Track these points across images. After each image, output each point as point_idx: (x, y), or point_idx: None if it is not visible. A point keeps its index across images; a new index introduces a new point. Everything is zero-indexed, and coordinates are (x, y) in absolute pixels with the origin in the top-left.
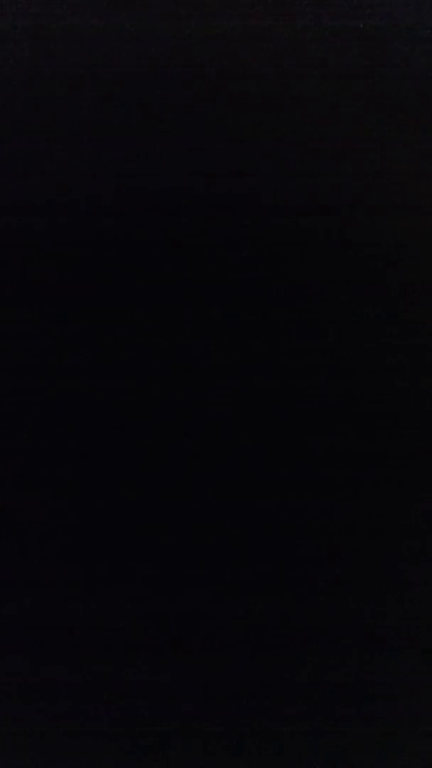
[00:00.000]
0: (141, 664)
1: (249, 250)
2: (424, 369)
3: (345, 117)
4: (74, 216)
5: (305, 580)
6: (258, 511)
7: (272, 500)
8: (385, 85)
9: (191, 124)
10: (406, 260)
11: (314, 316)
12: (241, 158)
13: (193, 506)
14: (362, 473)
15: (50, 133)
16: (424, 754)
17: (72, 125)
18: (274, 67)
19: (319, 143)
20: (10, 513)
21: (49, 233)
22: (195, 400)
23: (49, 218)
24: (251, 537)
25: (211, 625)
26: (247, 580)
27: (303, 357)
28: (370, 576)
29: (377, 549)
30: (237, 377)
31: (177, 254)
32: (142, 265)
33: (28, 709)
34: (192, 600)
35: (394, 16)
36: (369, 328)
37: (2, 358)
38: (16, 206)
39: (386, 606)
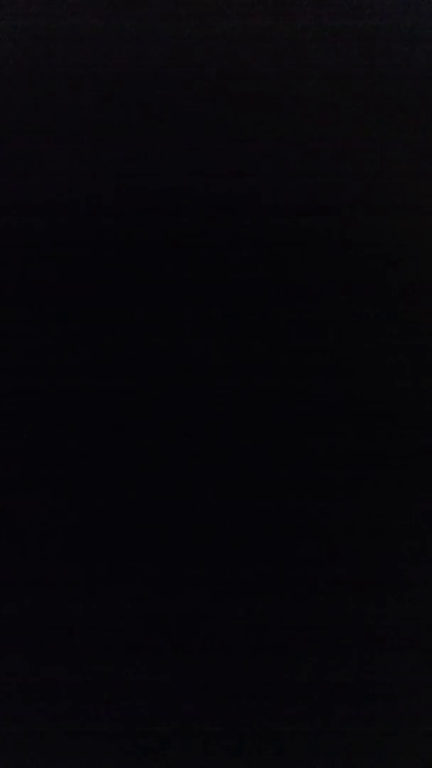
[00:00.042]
0: (141, 664)
1: (249, 250)
2: (424, 369)
3: (345, 117)
4: (74, 216)
5: (305, 580)
6: (258, 511)
7: (272, 500)
8: (385, 85)
9: (191, 124)
10: (406, 260)
11: (314, 316)
12: (241, 158)
13: (193, 506)
14: (362, 473)
15: (50, 133)
16: (424, 754)
17: (72, 125)
18: (274, 67)
19: (319, 143)
20: (10, 513)
21: (49, 233)
22: (195, 400)
23: (49, 218)
24: (251, 537)
25: (211, 625)
26: (247, 580)
27: (303, 357)
28: (370, 576)
29: (377, 549)
30: (237, 377)
31: (177, 254)
32: (142, 265)
33: (28, 709)
34: (192, 600)
35: (394, 16)
36: (369, 328)
37: (2, 358)
38: (16, 206)
39: (386, 606)
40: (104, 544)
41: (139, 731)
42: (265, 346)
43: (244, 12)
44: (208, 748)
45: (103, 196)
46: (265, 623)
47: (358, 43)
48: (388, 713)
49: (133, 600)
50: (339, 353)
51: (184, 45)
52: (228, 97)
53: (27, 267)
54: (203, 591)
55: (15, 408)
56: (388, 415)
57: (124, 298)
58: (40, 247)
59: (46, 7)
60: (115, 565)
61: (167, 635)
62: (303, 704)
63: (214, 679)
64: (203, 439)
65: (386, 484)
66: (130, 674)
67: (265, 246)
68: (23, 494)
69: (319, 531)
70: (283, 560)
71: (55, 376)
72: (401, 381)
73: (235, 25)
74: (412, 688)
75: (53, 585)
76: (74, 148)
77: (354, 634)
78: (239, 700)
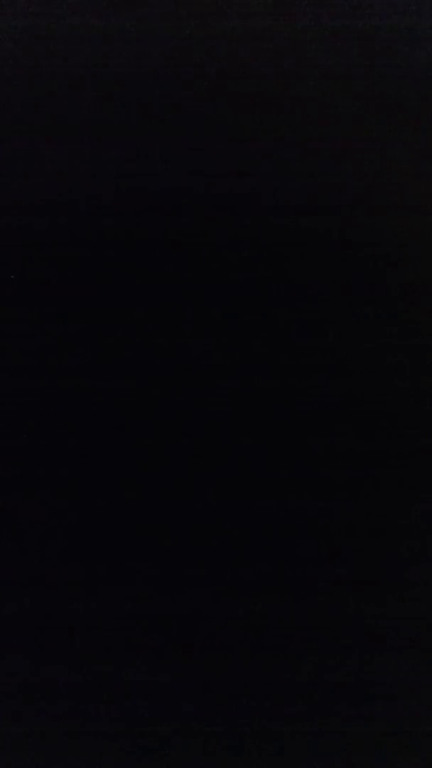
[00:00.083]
0: (141, 664)
1: (249, 250)
2: (424, 369)
3: (345, 117)
4: (74, 216)
5: (305, 580)
6: (258, 511)
7: (272, 500)
8: (385, 85)
9: (191, 124)
10: (406, 260)
11: (314, 316)
12: (241, 158)
13: (193, 506)
14: (362, 473)
15: (50, 133)
16: (424, 754)
17: (72, 125)
18: (274, 67)
19: (319, 143)
20: (10, 513)
21: (49, 233)
22: (195, 400)
23: (49, 218)
24: (251, 537)
25: (211, 625)
26: (247, 580)
27: (303, 357)
28: (370, 576)
29: (377, 549)
30: (237, 377)
31: (177, 254)
32: (142, 265)
33: (28, 709)
34: (192, 600)
35: (394, 16)
36: (369, 328)
37: (2, 358)
38: (16, 206)
39: (386, 606)
40: (104, 544)
41: (139, 731)
42: (265, 346)
43: (244, 12)
44: (208, 748)
45: (103, 196)
46: (265, 623)
47: (358, 43)
48: (388, 713)
49: (133, 600)
50: (339, 353)
51: (184, 45)
52: (228, 97)
53: (27, 267)
54: (203, 591)
55: (15, 408)
56: (388, 415)
57: (124, 298)
58: (40, 247)
59: (46, 7)
60: (115, 565)
61: (167, 635)
62: (303, 704)
63: (214, 679)
64: (203, 439)
65: (386, 484)
66: (130, 674)
67: (265, 246)
68: (23, 494)
69: (319, 531)
70: (283, 560)
71: (55, 376)
72: (401, 381)
73: (235, 25)
74: (412, 688)
75: (53, 585)
76: (74, 148)
77: (354, 634)
78: (239, 700)
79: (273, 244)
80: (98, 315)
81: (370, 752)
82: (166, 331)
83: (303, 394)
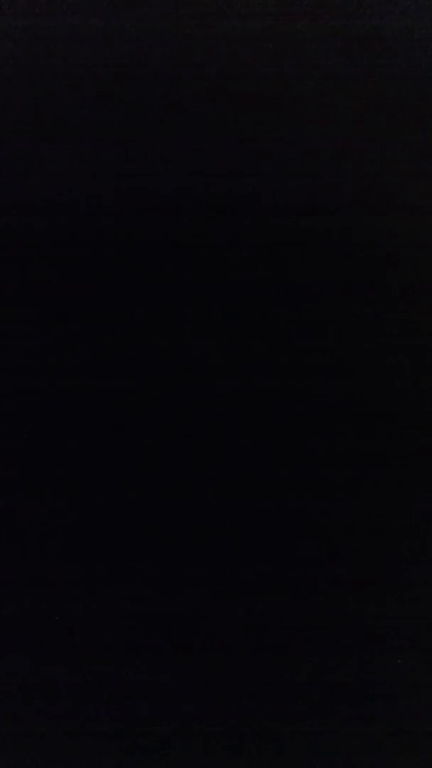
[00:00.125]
0: (141, 664)
1: (249, 250)
2: (424, 369)
3: (345, 117)
4: (74, 216)
5: (305, 580)
6: (258, 511)
7: (272, 500)
8: (385, 85)
9: (191, 124)
10: (406, 260)
11: (314, 316)
12: (241, 158)
13: (193, 506)
14: (362, 473)
15: (50, 133)
16: (424, 754)
17: (72, 125)
18: (274, 67)
19: (319, 143)
20: (10, 513)
21: (49, 233)
22: (195, 400)
23: (49, 218)
24: (251, 537)
25: (211, 625)
26: (247, 580)
27: (303, 357)
28: (370, 576)
29: (377, 549)
30: (237, 377)
31: (177, 254)
32: (142, 265)
33: (28, 709)
34: (192, 600)
35: (394, 16)
36: (369, 328)
37: (2, 358)
38: (16, 206)
39: (386, 606)
40: (104, 544)
41: (139, 731)
42: (265, 346)
43: (244, 12)
44: (208, 748)
45: (103, 196)
46: (265, 623)
47: (358, 43)
48: (388, 713)
49: (133, 600)
50: (339, 353)
51: (184, 45)
52: (228, 97)
53: (27, 267)
54: (203, 591)
55: (15, 408)
56: (388, 415)
57: (124, 298)
58: (40, 247)
59: (46, 7)
60: (115, 565)
61: (167, 635)
62: (303, 704)
63: (214, 679)
64: (203, 439)
65: (386, 484)
66: (130, 674)
67: (265, 246)
68: (23, 494)
69: (319, 531)
70: (283, 560)
71: (55, 376)
72: (401, 381)
73: (235, 25)
74: (412, 688)
75: (53, 585)
76: (74, 148)
77: (354, 634)
78: (239, 700)
79: (273, 244)
80: (98, 315)
81: (370, 752)
82: (166, 331)
83: (303, 394)
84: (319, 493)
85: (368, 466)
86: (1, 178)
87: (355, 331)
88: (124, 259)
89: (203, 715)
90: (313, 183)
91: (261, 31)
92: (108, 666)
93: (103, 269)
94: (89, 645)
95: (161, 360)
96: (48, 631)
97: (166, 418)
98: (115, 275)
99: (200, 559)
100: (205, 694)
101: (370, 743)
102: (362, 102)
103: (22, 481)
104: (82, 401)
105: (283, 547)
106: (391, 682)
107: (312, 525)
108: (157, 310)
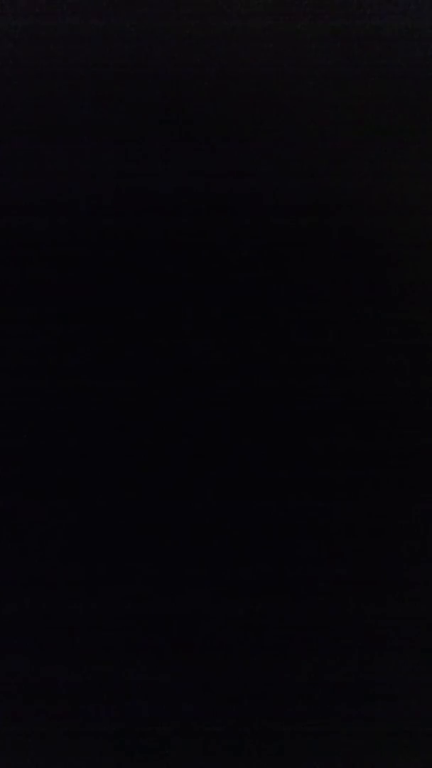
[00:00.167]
0: (141, 664)
1: (249, 250)
2: (424, 369)
3: (345, 117)
4: (74, 216)
5: (305, 580)
6: (258, 511)
7: (272, 500)
8: (385, 85)
9: (191, 124)
10: (406, 260)
11: (314, 316)
12: (241, 158)
13: (193, 506)
14: (362, 473)
15: (50, 133)
16: (424, 754)
17: (72, 125)
18: (274, 67)
19: (319, 143)
20: (10, 513)
21: (49, 233)
22: (195, 400)
23: (49, 218)
24: (251, 537)
25: (211, 625)
26: (247, 580)
27: (303, 357)
28: (370, 576)
29: (377, 549)
30: (237, 377)
31: (177, 254)
32: (142, 265)
33: (28, 709)
34: (192, 600)
35: (394, 16)
36: (369, 328)
37: (2, 358)
38: (16, 206)
39: (386, 606)
40: (104, 544)
41: (139, 731)
42: (265, 346)
43: (244, 12)
44: (208, 748)
45: (103, 196)
46: (265, 623)
47: (358, 43)
48: (388, 713)
49: (133, 600)
50: (339, 353)
51: (184, 45)
52: (228, 97)
53: (27, 267)
54: (203, 591)
55: (15, 408)
56: (388, 415)
57: (124, 298)
58: (40, 247)
59: (46, 7)
60: (115, 565)
61: (167, 635)
62: (303, 704)
63: (214, 679)
64: (203, 439)
65: (386, 484)
66: (130, 674)
67: (265, 246)
68: (23, 494)
69: (319, 531)
70: (283, 560)
71: (55, 376)
72: (401, 381)
73: (235, 25)
74: (412, 688)
75: (53, 585)
76: (74, 148)
77: (354, 634)
78: (239, 700)
79: (273, 244)
80: (98, 315)
81: (370, 752)
82: (166, 331)
83: (303, 394)
84: (319, 493)
85: (368, 466)
86: (1, 178)
87: (355, 331)
88: (124, 259)
89: (203, 715)
90: (313, 183)
91: (261, 31)
92: (108, 666)
93: (103, 269)
94: (89, 645)
95: (161, 360)
96: (48, 631)
97: (166, 418)
98: (115, 275)
99: (200, 559)
100: (205, 694)
101: (370, 743)
102: (362, 102)
103: (22, 481)
104: (82, 401)
105: (283, 547)
106: (391, 682)
107: (312, 525)
108: (157, 310)
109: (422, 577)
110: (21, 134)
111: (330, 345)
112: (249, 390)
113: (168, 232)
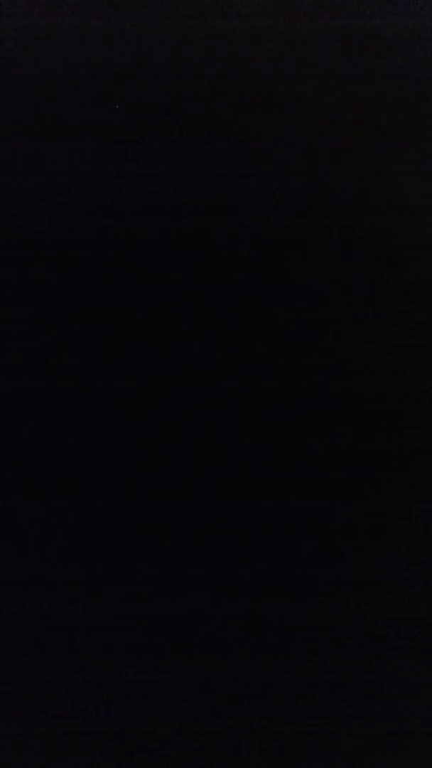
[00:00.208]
0: (141, 664)
1: (249, 250)
2: (424, 369)
3: (345, 117)
4: (74, 216)
5: (305, 580)
6: (258, 511)
7: (272, 500)
8: (385, 85)
9: (191, 124)
10: (406, 260)
11: (314, 316)
12: (241, 158)
13: (193, 506)
14: (362, 473)
15: (50, 133)
16: (424, 754)
17: (72, 125)
18: (274, 67)
19: (319, 143)
20: (10, 513)
21: (49, 233)
22: (195, 400)
23: (49, 218)
24: (251, 537)
25: (211, 625)
26: (247, 580)
27: (303, 357)
28: (370, 576)
29: (377, 549)
30: (237, 377)
31: (177, 254)
32: (142, 265)
33: (28, 709)
34: (192, 600)
35: (394, 16)
36: (369, 328)
37: (2, 358)
38: (16, 206)
39: (386, 606)
40: (104, 544)
41: (139, 731)
42: (265, 346)
43: (244, 12)
44: (208, 748)
45: (103, 196)
46: (265, 623)
47: (358, 43)
48: (388, 713)
49: (133, 600)
50: (339, 353)
51: (184, 45)
52: (228, 97)
53: (27, 267)
54: (203, 591)
55: (15, 408)
56: (388, 415)
57: (124, 298)
58: (40, 247)
59: (46, 7)
60: (115, 565)
61: (167, 635)
62: (303, 704)
63: (214, 679)
64: (203, 439)
65: (386, 484)
66: (130, 674)
67: (265, 246)
68: (23, 494)
69: (319, 531)
70: (283, 560)
71: (55, 376)
72: (401, 381)
73: (235, 25)
74: (412, 688)
75: (53, 585)
76: (74, 148)
77: (354, 634)
78: (239, 700)
79: (273, 244)
80: (98, 315)
81: (370, 752)
82: (166, 331)
83: (303, 394)
84: (319, 493)
85: (368, 466)
86: (1, 178)
87: (355, 331)
88: (124, 259)
89: (203, 715)
90: (313, 183)
91: (261, 31)
92: (108, 666)
93: (103, 269)
94: (89, 645)
95: (161, 360)
96: (48, 631)
97: (166, 418)
98: (115, 275)
99: (200, 559)
100: (205, 694)
101: (370, 743)
102: (362, 102)
103: (22, 481)
104: (82, 401)
105: (283, 547)
106: (391, 682)
107: (312, 525)
108: (157, 310)
109: (422, 577)
110: (21, 134)
111: (330, 345)
112: (249, 390)
113: (168, 232)
